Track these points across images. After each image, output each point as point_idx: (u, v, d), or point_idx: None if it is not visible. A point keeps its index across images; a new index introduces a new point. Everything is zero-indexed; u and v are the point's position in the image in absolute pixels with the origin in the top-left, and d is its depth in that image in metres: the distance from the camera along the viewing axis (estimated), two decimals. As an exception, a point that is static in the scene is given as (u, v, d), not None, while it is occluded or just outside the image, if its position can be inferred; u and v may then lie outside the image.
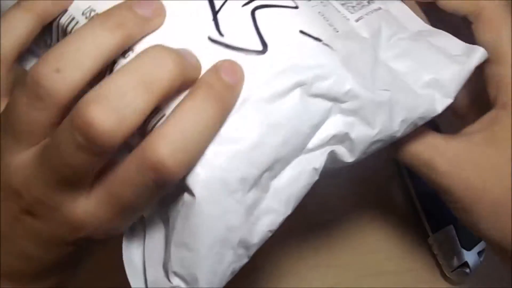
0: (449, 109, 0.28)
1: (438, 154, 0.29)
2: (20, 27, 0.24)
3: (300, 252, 0.40)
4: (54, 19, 0.25)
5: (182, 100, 0.22)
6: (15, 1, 0.25)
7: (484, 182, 0.28)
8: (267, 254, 0.40)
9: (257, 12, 0.25)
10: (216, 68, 0.22)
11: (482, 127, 0.29)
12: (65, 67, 0.21)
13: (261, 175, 0.23)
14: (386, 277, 0.40)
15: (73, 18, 0.25)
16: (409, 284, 0.40)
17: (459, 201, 0.29)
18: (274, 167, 0.24)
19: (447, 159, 0.29)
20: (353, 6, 0.29)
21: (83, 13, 0.25)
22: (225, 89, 0.22)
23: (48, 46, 0.27)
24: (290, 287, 0.39)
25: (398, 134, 0.27)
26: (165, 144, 0.20)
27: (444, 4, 0.30)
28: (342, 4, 0.28)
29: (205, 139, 0.22)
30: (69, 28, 0.25)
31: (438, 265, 0.40)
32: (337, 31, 0.26)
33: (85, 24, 0.22)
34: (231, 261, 0.25)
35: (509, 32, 0.29)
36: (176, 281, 0.24)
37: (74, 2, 0.25)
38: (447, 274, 0.39)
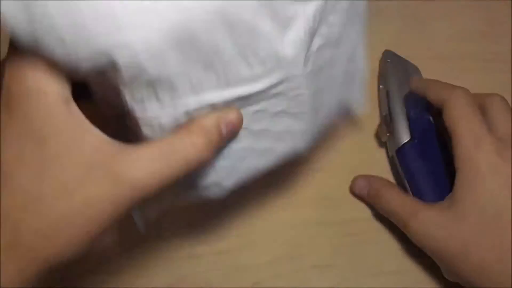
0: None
1: (413, 217, 0.37)
2: None
3: (300, 252, 0.41)
4: None
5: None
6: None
7: (446, 240, 0.35)
8: (266, 253, 0.41)
9: None
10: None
11: (451, 194, 0.37)
12: None
13: None
14: (386, 277, 0.40)
15: None
16: (409, 284, 0.40)
17: (430, 253, 0.37)
18: None
19: (420, 221, 0.37)
20: None
21: None
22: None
23: None
24: (290, 287, 0.40)
25: None
26: None
27: (428, 97, 0.40)
28: None
29: None
30: None
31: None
32: None
33: None
34: None
35: (464, 119, 0.37)
36: None
37: None
38: None
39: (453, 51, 0.48)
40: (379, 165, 0.43)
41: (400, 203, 0.38)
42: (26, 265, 0.24)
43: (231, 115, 0.27)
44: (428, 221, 0.36)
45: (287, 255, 0.41)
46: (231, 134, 0.28)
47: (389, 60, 0.46)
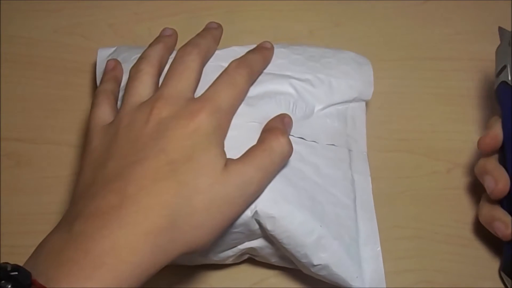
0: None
1: None
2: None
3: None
4: None
5: None
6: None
7: None
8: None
9: None
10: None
11: None
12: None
13: None
14: (386, 277, 0.40)
15: None
16: (409, 283, 0.40)
17: None
18: None
19: None
20: None
21: None
22: None
23: None
24: (290, 287, 0.40)
25: None
26: None
27: None
28: None
29: None
30: None
31: (439, 265, 0.40)
32: None
33: None
34: None
35: None
36: None
37: None
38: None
39: (453, 51, 0.48)
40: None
41: None
42: (174, 247, 0.29)
43: (286, 117, 0.36)
44: None
45: (287, 255, 0.41)
46: (289, 130, 0.36)
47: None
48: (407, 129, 0.46)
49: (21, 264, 0.26)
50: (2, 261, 0.25)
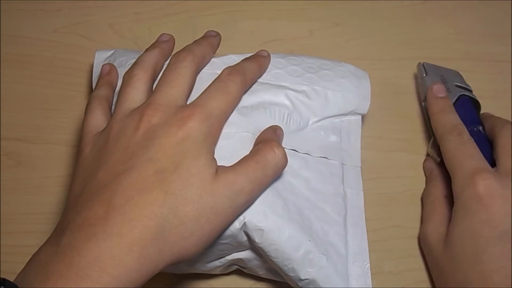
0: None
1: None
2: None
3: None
4: None
5: None
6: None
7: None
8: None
9: None
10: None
11: None
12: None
13: None
14: (386, 277, 0.40)
15: None
16: (409, 283, 0.40)
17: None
18: None
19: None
20: None
21: None
22: None
23: None
24: (289, 287, 0.40)
25: None
26: None
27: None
28: None
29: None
30: None
31: (438, 265, 0.40)
32: None
33: None
34: None
35: None
36: None
37: None
38: None
39: (453, 51, 0.48)
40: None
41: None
42: (161, 258, 0.28)
43: (278, 129, 0.35)
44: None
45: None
46: (280, 142, 0.35)
47: (425, 75, 0.45)
48: (407, 129, 0.46)
49: (19, 269, 0.27)
50: (2, 261, 0.25)
